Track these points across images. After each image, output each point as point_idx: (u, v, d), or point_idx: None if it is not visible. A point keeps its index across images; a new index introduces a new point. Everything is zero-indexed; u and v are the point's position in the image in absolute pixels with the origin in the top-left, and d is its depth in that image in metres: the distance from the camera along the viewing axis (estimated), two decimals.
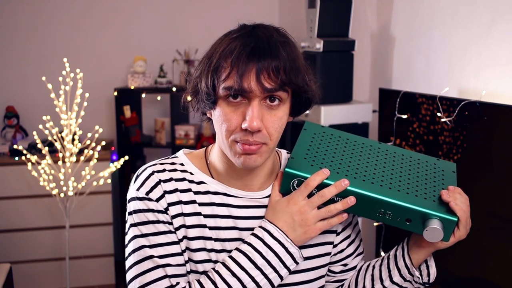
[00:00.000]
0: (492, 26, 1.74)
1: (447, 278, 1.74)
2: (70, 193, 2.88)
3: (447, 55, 1.98)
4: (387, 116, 2.04)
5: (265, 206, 1.04)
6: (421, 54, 2.15)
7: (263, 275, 0.96)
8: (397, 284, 1.09)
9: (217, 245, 1.00)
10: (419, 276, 1.07)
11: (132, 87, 3.35)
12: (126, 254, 1.01)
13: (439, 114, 1.73)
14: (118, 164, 2.95)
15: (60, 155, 2.86)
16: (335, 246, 1.12)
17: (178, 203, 1.00)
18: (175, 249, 0.99)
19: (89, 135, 2.89)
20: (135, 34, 3.56)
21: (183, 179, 1.02)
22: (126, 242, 1.02)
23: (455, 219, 0.96)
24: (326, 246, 1.10)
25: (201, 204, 1.01)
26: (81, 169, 2.90)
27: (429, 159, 1.11)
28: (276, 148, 1.12)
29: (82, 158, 2.87)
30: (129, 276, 0.99)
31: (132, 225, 1.00)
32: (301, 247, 1.02)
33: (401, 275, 1.08)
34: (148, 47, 3.57)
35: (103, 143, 3.05)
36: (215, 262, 1.01)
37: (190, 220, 1.00)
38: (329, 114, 2.20)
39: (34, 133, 2.96)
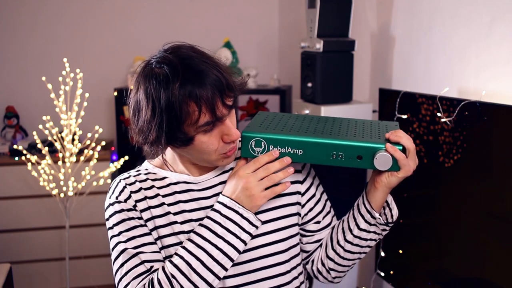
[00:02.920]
0: (492, 26, 1.74)
1: (447, 278, 1.73)
2: (70, 193, 2.88)
3: (447, 55, 1.98)
4: (387, 116, 2.04)
5: (221, 183, 1.17)
6: (421, 54, 2.15)
7: (225, 242, 1.07)
8: (364, 230, 1.20)
9: (186, 227, 1.13)
10: (380, 217, 1.17)
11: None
12: (111, 256, 1.14)
13: (439, 114, 1.73)
14: (118, 164, 2.95)
15: (60, 155, 2.86)
16: (303, 206, 1.24)
17: (144, 199, 1.14)
18: (148, 239, 1.11)
19: (89, 135, 2.89)
20: (135, 34, 3.56)
21: (147, 179, 1.16)
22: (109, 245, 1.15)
23: (400, 147, 1.09)
24: (291, 207, 1.21)
25: (164, 196, 1.15)
26: (81, 169, 2.90)
27: (373, 120, 1.27)
28: None
29: (82, 158, 2.88)
30: (113, 272, 1.12)
31: (109, 228, 1.14)
32: (265, 211, 1.16)
33: (365, 221, 1.19)
34: (148, 47, 3.52)
35: (103, 143, 3.05)
36: None
37: (156, 211, 1.13)
38: (329, 114, 2.20)
39: (34, 133, 2.96)
